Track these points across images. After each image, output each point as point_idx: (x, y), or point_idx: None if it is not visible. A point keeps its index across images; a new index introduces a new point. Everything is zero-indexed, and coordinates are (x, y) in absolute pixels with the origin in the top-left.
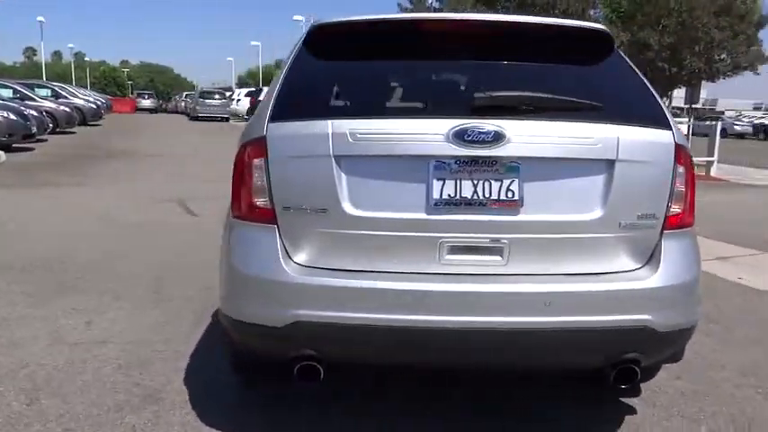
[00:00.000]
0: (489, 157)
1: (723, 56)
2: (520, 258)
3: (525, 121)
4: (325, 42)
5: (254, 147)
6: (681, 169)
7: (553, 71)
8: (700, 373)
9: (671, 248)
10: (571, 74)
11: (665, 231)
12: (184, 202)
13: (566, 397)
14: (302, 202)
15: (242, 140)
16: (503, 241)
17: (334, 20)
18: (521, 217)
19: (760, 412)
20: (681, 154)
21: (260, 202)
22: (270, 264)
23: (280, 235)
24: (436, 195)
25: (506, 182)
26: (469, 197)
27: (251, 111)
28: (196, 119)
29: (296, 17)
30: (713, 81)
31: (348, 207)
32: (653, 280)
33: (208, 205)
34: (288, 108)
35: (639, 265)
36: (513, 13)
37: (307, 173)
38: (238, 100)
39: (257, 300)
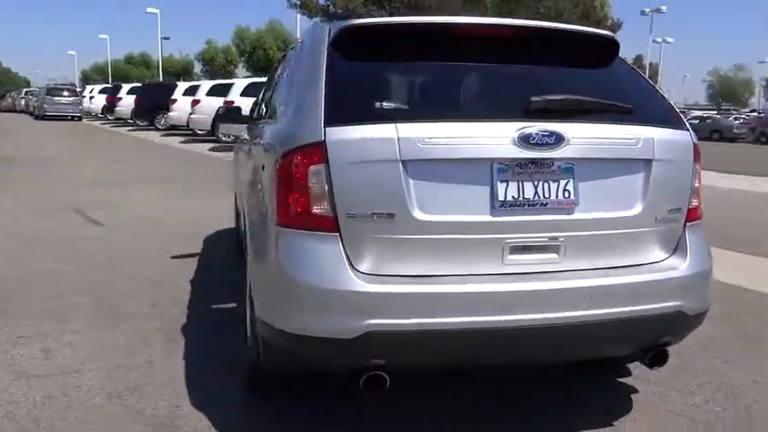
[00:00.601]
0: (549, 158)
1: None
2: (573, 255)
3: (581, 124)
4: (362, 44)
5: (310, 152)
6: (697, 166)
7: (586, 75)
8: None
9: (693, 239)
10: (601, 78)
11: (687, 224)
12: (83, 211)
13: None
14: (367, 209)
15: (287, 146)
16: (560, 239)
17: (370, 20)
18: (575, 215)
19: (728, 378)
20: (697, 153)
21: (319, 209)
22: (335, 273)
23: (342, 243)
24: (501, 197)
25: (563, 182)
26: (531, 198)
27: (108, 109)
28: (43, 118)
29: (150, 9)
30: None
31: (417, 212)
32: (684, 269)
33: (108, 214)
34: (344, 111)
35: (668, 256)
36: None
37: (372, 178)
38: (92, 97)
39: (323, 312)
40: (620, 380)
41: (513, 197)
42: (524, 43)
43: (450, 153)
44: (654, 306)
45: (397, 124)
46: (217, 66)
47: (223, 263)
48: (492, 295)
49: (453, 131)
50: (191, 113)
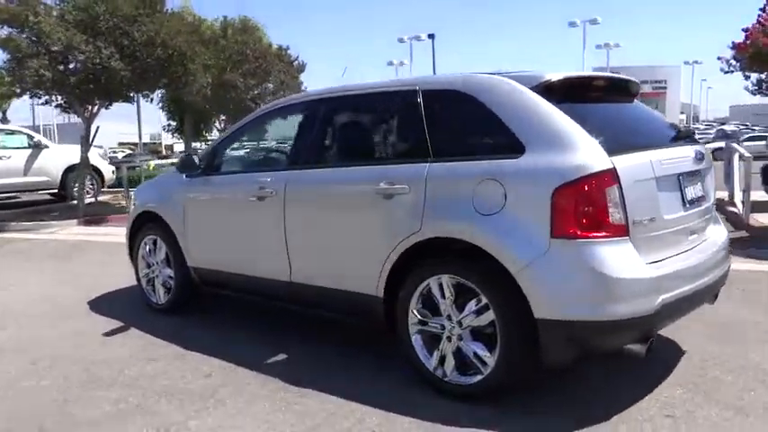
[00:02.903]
0: (699, 169)
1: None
2: (704, 233)
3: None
4: (567, 91)
5: (604, 176)
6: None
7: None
8: None
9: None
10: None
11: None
12: None
13: None
14: (642, 216)
15: (569, 175)
16: (702, 224)
17: (576, 74)
18: (705, 206)
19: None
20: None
21: (615, 220)
22: (637, 266)
23: (632, 243)
24: (688, 198)
25: (700, 184)
26: (696, 197)
27: None
28: None
29: None
30: None
31: (665, 214)
32: (726, 236)
33: None
34: (611, 143)
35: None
36: None
37: (641, 192)
38: None
39: (633, 297)
40: None
41: (692, 197)
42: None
43: (670, 170)
44: (729, 262)
45: (649, 152)
46: None
47: None
48: (699, 264)
49: (671, 155)
50: None
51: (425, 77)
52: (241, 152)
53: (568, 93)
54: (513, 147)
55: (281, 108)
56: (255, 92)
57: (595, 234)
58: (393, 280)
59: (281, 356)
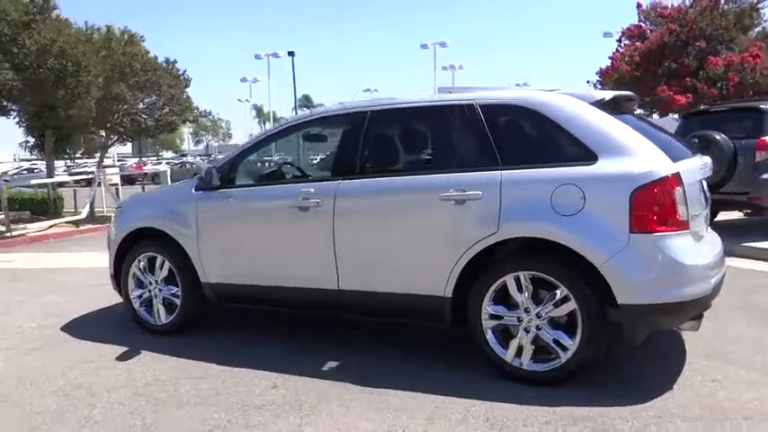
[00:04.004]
0: (707, 176)
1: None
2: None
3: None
4: (614, 107)
5: (673, 180)
6: None
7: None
8: None
9: None
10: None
11: None
12: None
13: None
14: (693, 213)
15: (644, 179)
16: (706, 222)
17: (616, 93)
18: (708, 206)
19: None
20: None
21: (681, 216)
22: (698, 254)
23: (691, 235)
24: (704, 199)
25: (706, 188)
26: (707, 198)
27: None
28: None
29: None
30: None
31: (698, 211)
32: None
33: None
34: (669, 153)
35: None
36: None
37: (692, 193)
38: None
39: (703, 279)
40: None
41: (705, 198)
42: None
43: (699, 176)
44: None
45: (685, 160)
46: None
47: None
48: (717, 253)
49: (698, 163)
50: None
51: (479, 93)
52: (264, 165)
53: (615, 108)
54: (586, 155)
55: (319, 119)
56: (142, 106)
57: (667, 228)
58: (462, 280)
59: (333, 363)
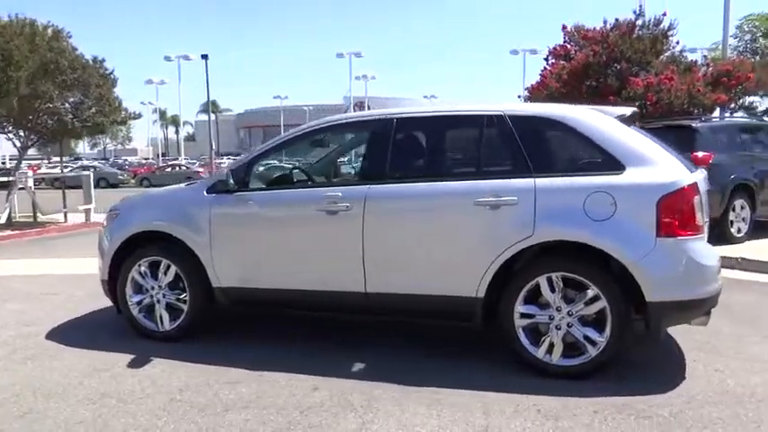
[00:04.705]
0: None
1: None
2: None
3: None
4: (631, 121)
5: (692, 188)
6: None
7: None
8: None
9: None
10: None
11: None
12: None
13: None
14: (704, 219)
15: (669, 188)
16: None
17: (632, 109)
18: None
19: None
20: None
21: (698, 221)
22: (711, 256)
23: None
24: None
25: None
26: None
27: None
28: None
29: None
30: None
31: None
32: None
33: None
34: (683, 164)
35: None
36: None
37: (703, 201)
38: None
39: (715, 279)
40: None
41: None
42: None
43: (705, 186)
44: None
45: (697, 170)
46: None
47: None
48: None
49: (703, 175)
50: None
51: (508, 105)
52: (284, 169)
53: (630, 123)
54: (614, 165)
55: (347, 124)
56: (67, 105)
57: (687, 233)
58: (494, 281)
59: (360, 365)
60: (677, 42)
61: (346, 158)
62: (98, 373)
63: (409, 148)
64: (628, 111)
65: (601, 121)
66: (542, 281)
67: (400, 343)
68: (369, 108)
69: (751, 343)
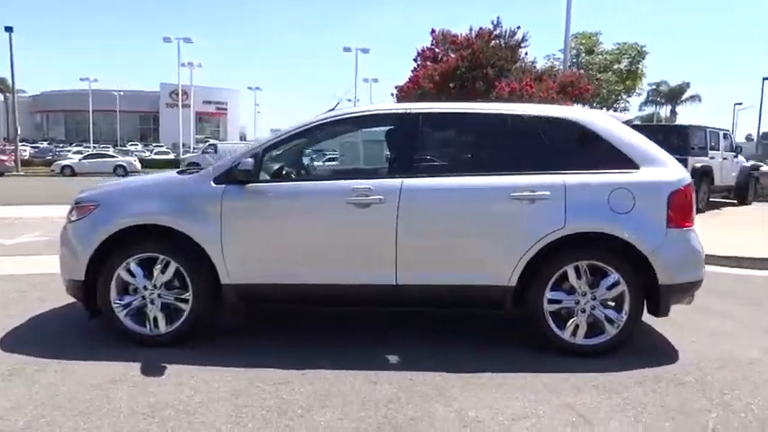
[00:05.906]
0: None
1: None
2: None
3: None
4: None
5: (690, 185)
6: None
7: None
8: None
9: None
10: None
11: None
12: None
13: None
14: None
15: (677, 185)
16: None
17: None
18: None
19: None
20: None
21: (693, 215)
22: (701, 244)
23: None
24: None
25: None
26: None
27: None
28: None
29: None
30: None
31: None
32: None
33: None
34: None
35: None
36: None
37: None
38: None
39: (703, 264)
40: None
41: None
42: None
43: None
44: None
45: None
46: None
47: None
48: None
49: None
50: None
51: (535, 106)
52: (305, 160)
53: (634, 128)
54: (630, 164)
55: (374, 116)
56: None
57: (688, 224)
58: (525, 270)
59: (395, 357)
60: (526, 54)
61: (338, 154)
62: (118, 384)
63: (442, 143)
64: (629, 117)
65: (617, 125)
66: (570, 269)
67: (428, 333)
68: (187, 96)
69: (702, 318)
